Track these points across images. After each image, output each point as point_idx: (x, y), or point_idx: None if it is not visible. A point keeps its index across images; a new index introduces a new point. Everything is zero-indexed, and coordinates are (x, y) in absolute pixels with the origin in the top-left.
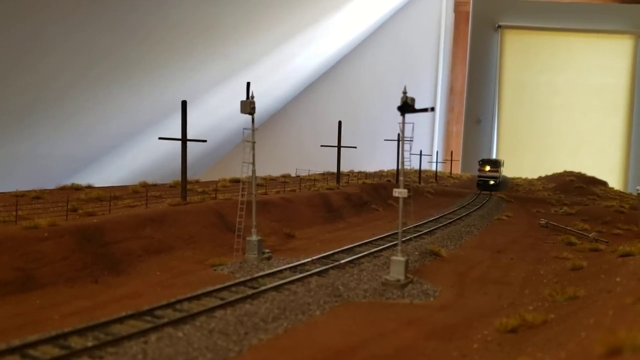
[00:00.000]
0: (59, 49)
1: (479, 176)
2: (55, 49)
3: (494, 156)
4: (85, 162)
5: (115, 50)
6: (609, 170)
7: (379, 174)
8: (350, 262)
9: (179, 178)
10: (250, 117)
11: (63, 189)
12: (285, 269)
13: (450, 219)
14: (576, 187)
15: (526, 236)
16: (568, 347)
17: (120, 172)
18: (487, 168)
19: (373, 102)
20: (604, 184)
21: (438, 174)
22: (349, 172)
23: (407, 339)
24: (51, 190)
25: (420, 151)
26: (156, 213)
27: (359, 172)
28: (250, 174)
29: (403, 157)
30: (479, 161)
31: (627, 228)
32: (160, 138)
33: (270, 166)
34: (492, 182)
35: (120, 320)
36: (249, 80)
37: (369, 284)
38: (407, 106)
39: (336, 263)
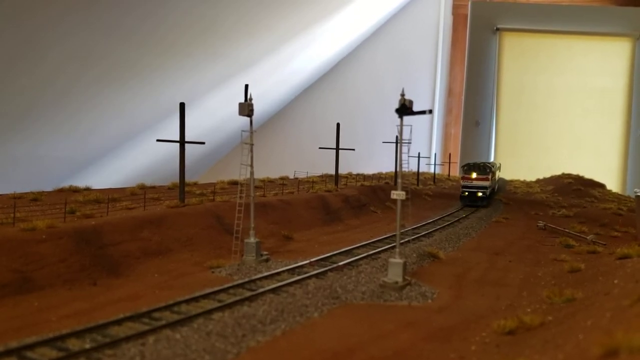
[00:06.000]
0: (57, 51)
1: (463, 186)
2: (53, 51)
3: (492, 158)
4: (83, 164)
5: (114, 52)
6: (607, 172)
7: (377, 176)
8: (348, 264)
9: (177, 180)
10: (248, 119)
11: (61, 191)
12: (284, 271)
13: (448, 221)
14: (574, 189)
15: (524, 238)
16: (565, 349)
17: (118, 174)
18: (474, 175)
19: (371, 104)
20: (602, 186)
21: (436, 176)
22: (347, 174)
23: (405, 341)
24: (49, 192)
25: (419, 153)
26: (154, 215)
27: (357, 175)
28: (248, 176)
29: (401, 159)
30: (463, 166)
31: (625, 230)
32: (158, 140)
33: (268, 168)
34: (480, 194)
35: (118, 322)
36: (247, 83)
37: (367, 286)
38: (405, 108)
39: (334, 265)
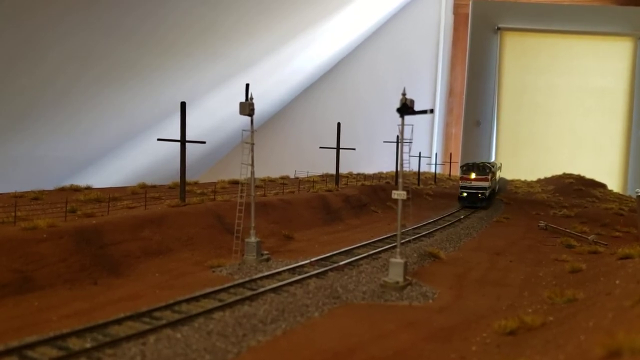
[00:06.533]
0: (57, 50)
1: (461, 186)
2: (53, 50)
3: (493, 158)
4: (84, 164)
5: (114, 51)
6: (608, 172)
7: (378, 176)
8: (349, 264)
9: (177, 179)
10: (249, 118)
11: (62, 190)
12: (284, 271)
13: (449, 221)
14: (575, 189)
15: (525, 238)
16: (567, 349)
17: (119, 174)
18: (473, 175)
19: (372, 103)
20: (603, 186)
21: (437, 176)
22: (348, 173)
23: (406, 341)
24: (50, 192)
25: (419, 153)
26: (155, 214)
27: (358, 174)
28: (249, 175)
29: (402, 159)
30: (462, 166)
31: (626, 230)
32: (159, 139)
33: (269, 168)
34: (479, 195)
35: (119, 321)
36: (247, 82)
37: (367, 285)
38: (406, 108)
39: (335, 265)
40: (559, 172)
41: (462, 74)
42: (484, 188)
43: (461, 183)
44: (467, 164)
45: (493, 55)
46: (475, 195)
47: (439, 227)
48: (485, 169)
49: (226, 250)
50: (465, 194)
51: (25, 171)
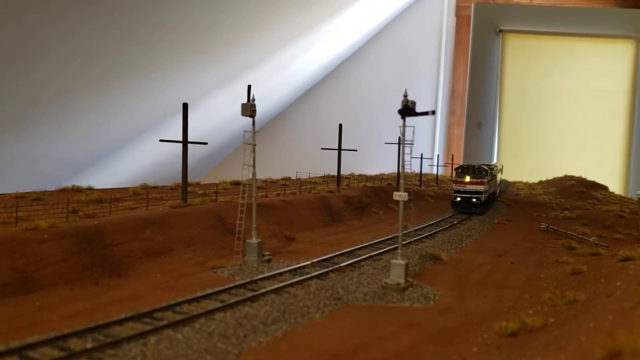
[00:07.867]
0: (57, 50)
1: (455, 190)
2: (53, 50)
3: (494, 160)
4: (84, 164)
5: (114, 52)
6: (609, 174)
7: (380, 177)
8: (350, 265)
9: (179, 180)
10: (251, 119)
11: (63, 190)
12: (285, 272)
13: (451, 222)
14: (577, 191)
15: (526, 240)
16: (568, 350)
17: (120, 174)
18: (467, 179)
19: (374, 105)
20: (604, 188)
21: (439, 177)
22: (350, 175)
23: (407, 342)
24: (52, 192)
25: (421, 154)
26: (156, 215)
27: (360, 175)
28: (250, 176)
29: (404, 161)
30: (456, 169)
31: (627, 232)
32: (161, 140)
33: (270, 169)
34: (474, 200)
35: (120, 322)
36: (249, 83)
37: (368, 287)
38: (407, 109)
39: (336, 266)
40: (561, 174)
41: (464, 75)
42: (479, 192)
43: (455, 187)
44: (461, 167)
45: (495, 57)
46: (469, 200)
47: (441, 228)
48: (482, 171)
49: (227, 251)
50: (458, 199)
51: (25, 171)
